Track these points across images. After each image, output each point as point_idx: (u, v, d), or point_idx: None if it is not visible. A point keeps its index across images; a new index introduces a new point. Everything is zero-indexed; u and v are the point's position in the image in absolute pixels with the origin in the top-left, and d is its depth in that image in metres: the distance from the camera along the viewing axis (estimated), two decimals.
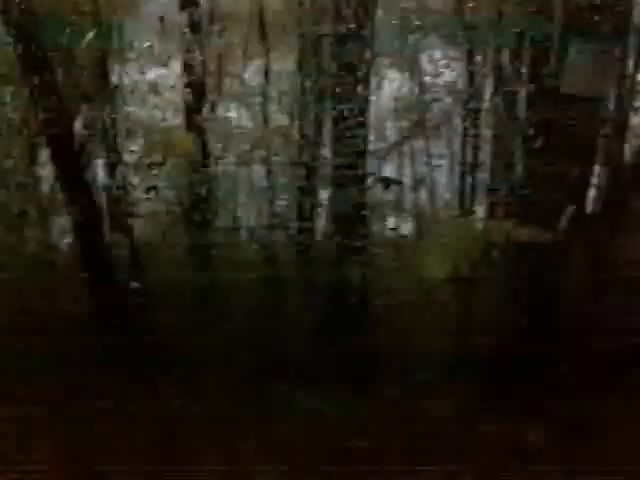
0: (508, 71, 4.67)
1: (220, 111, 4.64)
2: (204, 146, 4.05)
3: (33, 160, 4.16)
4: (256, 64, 4.65)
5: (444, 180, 4.70)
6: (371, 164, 4.35)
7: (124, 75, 4.36)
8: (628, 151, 4.33)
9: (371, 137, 4.50)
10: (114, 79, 4.30)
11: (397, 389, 3.34)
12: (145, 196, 3.98)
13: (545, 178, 3.46)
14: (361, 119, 4.36)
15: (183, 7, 4.18)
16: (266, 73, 4.61)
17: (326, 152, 4.51)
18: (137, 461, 2.86)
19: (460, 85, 4.73)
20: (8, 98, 4.00)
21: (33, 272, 3.83)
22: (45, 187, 4.13)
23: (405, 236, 4.39)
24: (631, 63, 4.44)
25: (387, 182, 4.47)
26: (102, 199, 3.92)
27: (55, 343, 3.44)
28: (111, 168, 4.02)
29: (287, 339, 3.68)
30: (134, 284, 3.78)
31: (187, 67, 4.11)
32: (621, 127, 4.35)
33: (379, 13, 4.54)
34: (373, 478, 2.77)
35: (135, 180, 4.01)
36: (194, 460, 2.87)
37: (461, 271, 3.39)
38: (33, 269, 3.84)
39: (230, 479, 2.82)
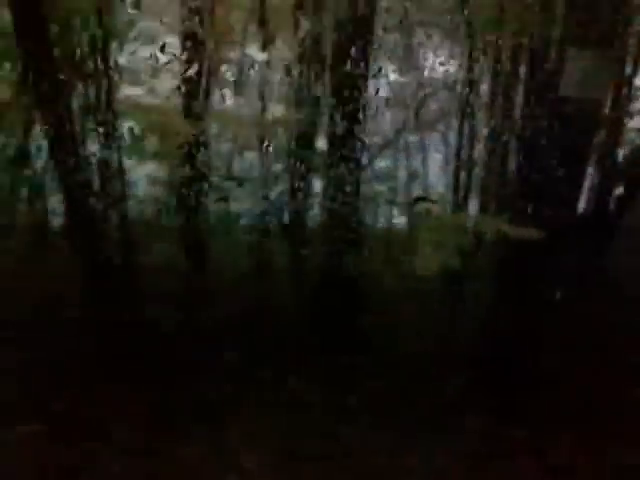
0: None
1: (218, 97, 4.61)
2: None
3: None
4: (255, 50, 4.60)
5: (439, 175, 4.69)
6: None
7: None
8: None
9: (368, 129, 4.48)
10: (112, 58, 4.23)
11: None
12: None
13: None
14: (358, 112, 4.31)
15: None
16: (266, 60, 4.57)
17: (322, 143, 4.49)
18: None
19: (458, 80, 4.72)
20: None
21: None
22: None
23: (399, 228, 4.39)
24: (629, 69, 4.49)
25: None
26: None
27: None
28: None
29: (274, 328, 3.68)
30: None
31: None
32: (617, 130, 4.40)
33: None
34: None
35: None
36: None
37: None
38: None
39: None
